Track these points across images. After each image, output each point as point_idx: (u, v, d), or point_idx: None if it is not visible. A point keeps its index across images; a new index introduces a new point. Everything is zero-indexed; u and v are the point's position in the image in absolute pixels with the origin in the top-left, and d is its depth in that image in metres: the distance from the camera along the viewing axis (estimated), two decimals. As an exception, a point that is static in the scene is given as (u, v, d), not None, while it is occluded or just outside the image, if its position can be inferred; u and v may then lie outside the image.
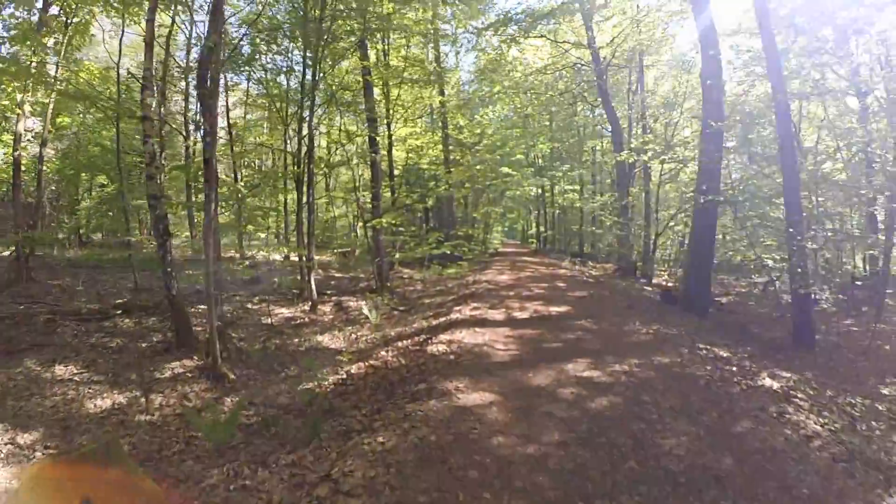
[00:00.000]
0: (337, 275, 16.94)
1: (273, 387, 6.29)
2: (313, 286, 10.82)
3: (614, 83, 20.62)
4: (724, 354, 6.72)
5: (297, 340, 8.40)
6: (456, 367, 5.39)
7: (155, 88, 14.49)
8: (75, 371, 7.16)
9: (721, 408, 4.63)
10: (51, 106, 14.08)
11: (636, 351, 6.27)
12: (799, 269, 8.13)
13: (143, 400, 6.04)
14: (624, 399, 4.55)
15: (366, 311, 9.47)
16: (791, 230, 8.68)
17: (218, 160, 15.51)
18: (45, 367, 7.09)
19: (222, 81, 17.94)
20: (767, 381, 5.76)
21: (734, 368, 5.99)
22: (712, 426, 4.22)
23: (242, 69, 12.03)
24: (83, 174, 18.68)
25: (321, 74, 11.81)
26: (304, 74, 11.90)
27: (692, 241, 11.08)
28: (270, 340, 8.38)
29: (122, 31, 12.66)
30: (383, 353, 6.54)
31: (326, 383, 5.69)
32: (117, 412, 5.97)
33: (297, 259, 13.98)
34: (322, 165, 15.33)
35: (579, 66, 19.94)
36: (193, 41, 13.82)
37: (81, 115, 16.99)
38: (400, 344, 6.99)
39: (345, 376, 5.79)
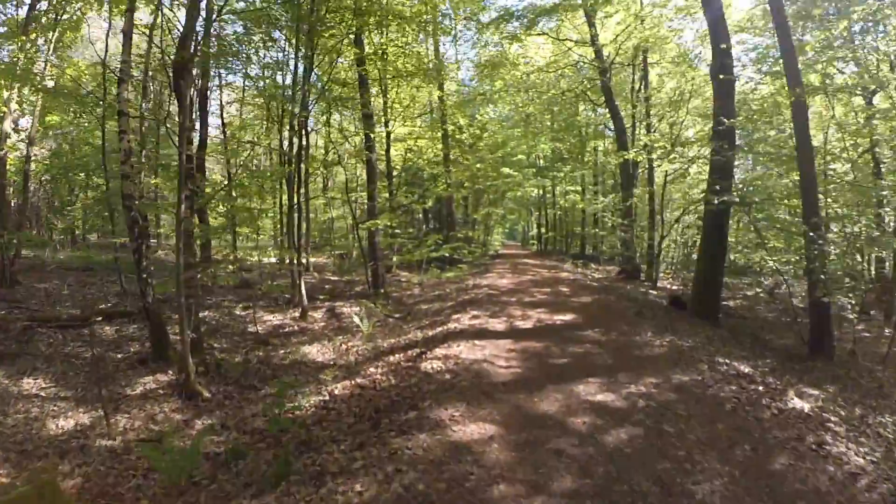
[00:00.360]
0: (333, 278, 16.39)
1: (251, 407, 5.71)
2: (303, 291, 10.23)
3: (617, 82, 20.02)
4: (746, 370, 6.13)
5: (282, 352, 7.82)
6: (452, 389, 4.81)
7: (147, 83, 14.03)
8: (43, 385, 6.62)
9: (754, 439, 4.05)
10: (38, 104, 13.56)
11: (651, 367, 5.70)
12: (823, 276, 7.55)
13: (106, 422, 5.46)
14: (644, 430, 3.97)
15: (356, 319, 8.88)
16: (811, 234, 8.11)
17: (207, 156, 14.99)
18: (14, 380, 6.56)
19: (216, 78, 17.46)
20: (797, 403, 5.19)
21: (760, 388, 5.40)
22: (746, 463, 3.64)
23: (229, 62, 11.48)
24: (79, 174, 18.09)
25: (313, 68, 11.26)
26: (295, 68, 11.37)
27: (703, 243, 10.50)
28: (253, 352, 7.80)
29: (109, 25, 12.09)
30: (372, 369, 5.94)
31: (307, 405, 5.09)
32: (79, 435, 5.42)
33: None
34: (316, 165, 14.76)
35: (582, 64, 19.37)
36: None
37: (73, 114, 16.44)
38: (391, 358, 6.40)
39: (327, 398, 5.19)
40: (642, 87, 18.69)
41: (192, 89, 14.32)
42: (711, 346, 7.38)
